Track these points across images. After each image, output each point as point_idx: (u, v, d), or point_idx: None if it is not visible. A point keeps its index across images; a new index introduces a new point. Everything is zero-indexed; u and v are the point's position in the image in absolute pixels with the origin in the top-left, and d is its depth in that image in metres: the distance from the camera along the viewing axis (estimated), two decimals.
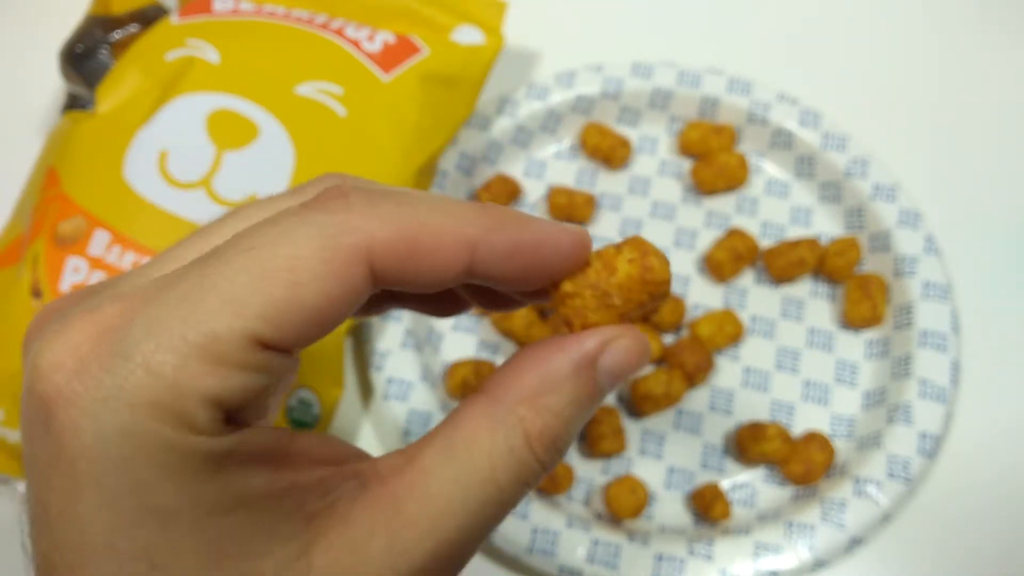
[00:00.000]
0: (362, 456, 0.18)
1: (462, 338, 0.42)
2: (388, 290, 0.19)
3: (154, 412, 0.14)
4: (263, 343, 0.15)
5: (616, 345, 0.18)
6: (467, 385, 0.39)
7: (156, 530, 0.14)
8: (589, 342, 0.18)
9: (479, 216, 0.17)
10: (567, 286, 0.18)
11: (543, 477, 0.18)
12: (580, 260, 0.18)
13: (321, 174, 0.19)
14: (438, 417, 0.39)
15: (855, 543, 0.35)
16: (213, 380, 0.14)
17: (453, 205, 0.17)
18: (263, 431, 0.16)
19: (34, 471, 0.15)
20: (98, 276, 0.36)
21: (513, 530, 0.36)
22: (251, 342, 0.15)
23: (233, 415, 0.15)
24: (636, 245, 0.19)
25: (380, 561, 0.16)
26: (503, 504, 0.17)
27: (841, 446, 0.39)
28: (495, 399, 0.17)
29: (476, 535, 0.17)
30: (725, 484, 0.38)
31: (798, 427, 0.39)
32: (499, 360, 0.41)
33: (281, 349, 0.15)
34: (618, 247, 0.19)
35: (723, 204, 0.45)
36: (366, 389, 0.41)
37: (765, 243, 0.44)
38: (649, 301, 0.19)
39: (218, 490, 0.15)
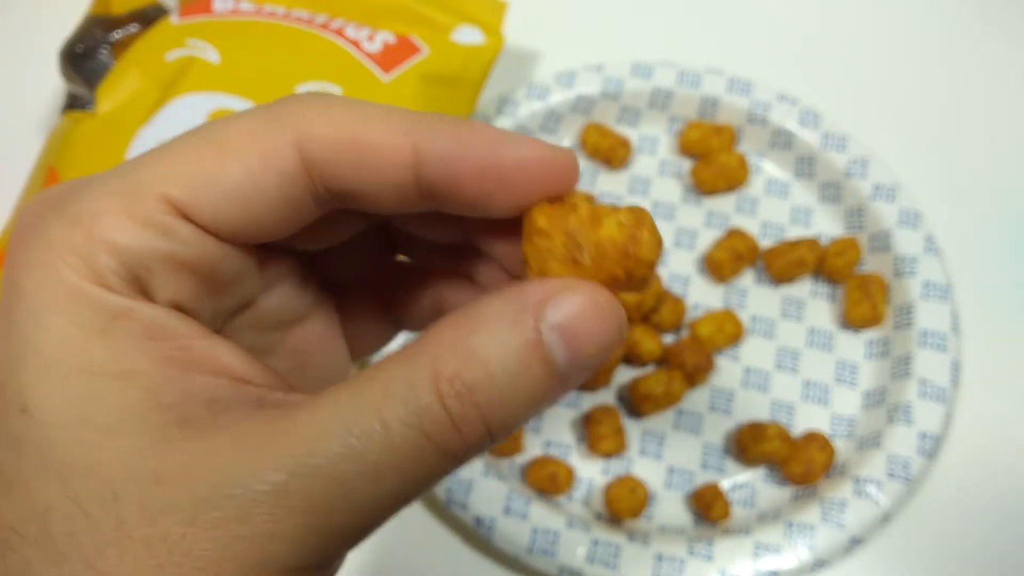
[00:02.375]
0: (284, 388, 0.17)
1: None
2: (351, 210, 0.17)
3: (68, 257, 0.15)
4: (180, 209, 0.15)
5: (570, 299, 0.15)
6: None
7: (32, 372, 0.14)
8: (534, 288, 0.15)
9: (438, 123, 0.15)
10: (540, 219, 0.15)
11: (463, 441, 0.15)
12: (560, 185, 0.16)
13: None
14: None
15: (855, 543, 0.35)
16: (121, 232, 0.15)
17: (406, 113, 0.16)
18: (181, 324, 0.16)
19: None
20: None
21: (513, 530, 0.36)
22: (167, 205, 0.15)
23: (145, 282, 0.15)
24: (635, 214, 0.15)
25: (235, 471, 0.14)
26: (392, 449, 0.14)
27: (841, 446, 0.39)
28: (419, 340, 0.15)
29: (357, 474, 0.14)
30: (725, 484, 0.38)
31: (798, 427, 0.39)
32: None
33: (201, 224, 0.15)
34: (616, 207, 0.16)
35: (723, 204, 0.45)
36: None
37: (765, 243, 0.44)
38: (625, 279, 0.16)
39: (97, 351, 0.14)
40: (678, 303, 0.41)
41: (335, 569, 0.16)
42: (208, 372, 0.15)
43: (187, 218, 0.15)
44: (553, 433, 0.40)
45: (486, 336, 0.15)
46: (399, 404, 0.14)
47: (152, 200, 0.15)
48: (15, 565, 0.14)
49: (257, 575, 0.14)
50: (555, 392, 0.15)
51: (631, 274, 0.15)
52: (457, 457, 0.15)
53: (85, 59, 0.41)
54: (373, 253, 0.21)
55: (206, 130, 0.16)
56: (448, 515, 0.38)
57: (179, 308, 0.16)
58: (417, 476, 0.15)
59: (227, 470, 0.14)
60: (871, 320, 0.40)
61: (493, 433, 0.15)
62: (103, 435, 0.14)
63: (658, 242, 0.16)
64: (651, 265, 0.16)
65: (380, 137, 0.15)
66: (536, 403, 0.15)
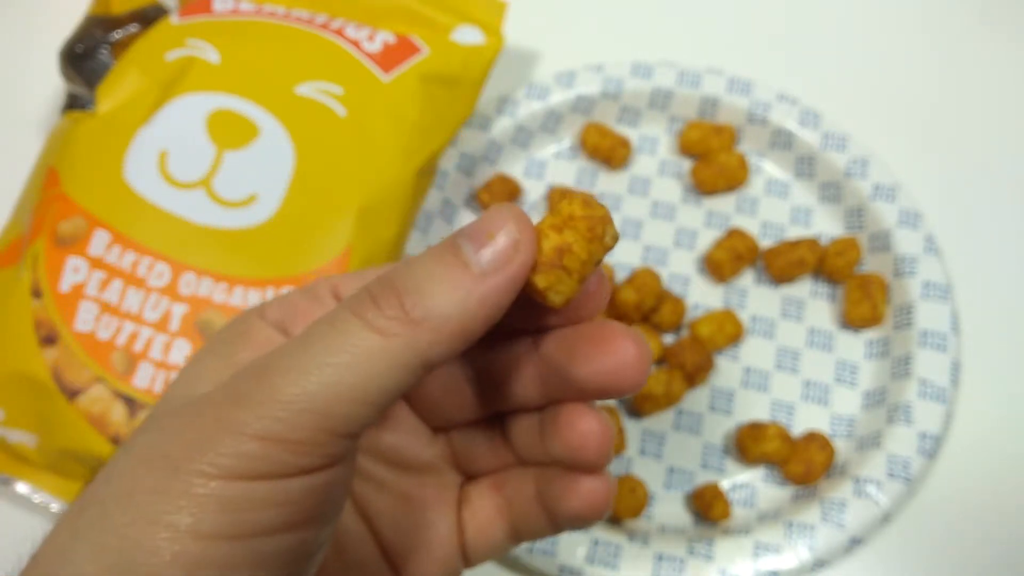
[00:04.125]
0: None
1: None
2: None
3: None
4: (337, 292, 0.21)
5: (500, 240, 0.18)
6: None
7: None
8: (470, 227, 0.18)
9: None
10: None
11: (382, 313, 0.17)
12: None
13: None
14: None
15: (855, 543, 0.35)
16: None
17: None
18: None
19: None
20: (98, 276, 0.36)
21: None
22: (332, 289, 0.22)
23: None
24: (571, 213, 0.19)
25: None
26: (331, 326, 0.17)
27: (841, 446, 0.39)
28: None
29: (311, 359, 0.17)
30: (725, 484, 0.38)
31: (798, 427, 0.39)
32: None
33: None
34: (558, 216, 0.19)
35: (723, 204, 0.45)
36: None
37: (765, 243, 0.44)
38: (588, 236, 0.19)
39: None
40: (678, 303, 0.41)
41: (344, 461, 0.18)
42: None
43: (337, 297, 0.22)
44: None
45: (416, 257, 0.18)
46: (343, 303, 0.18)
47: (323, 287, 0.21)
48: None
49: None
50: (475, 282, 0.17)
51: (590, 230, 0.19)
52: (383, 331, 0.17)
53: (85, 59, 0.41)
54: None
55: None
56: None
57: None
58: (351, 351, 0.17)
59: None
60: (871, 320, 0.40)
61: (408, 308, 0.17)
62: (190, 385, 0.19)
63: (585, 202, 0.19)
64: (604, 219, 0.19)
65: None
66: (454, 289, 0.17)
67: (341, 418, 0.17)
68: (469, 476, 0.24)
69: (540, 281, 0.18)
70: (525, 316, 0.21)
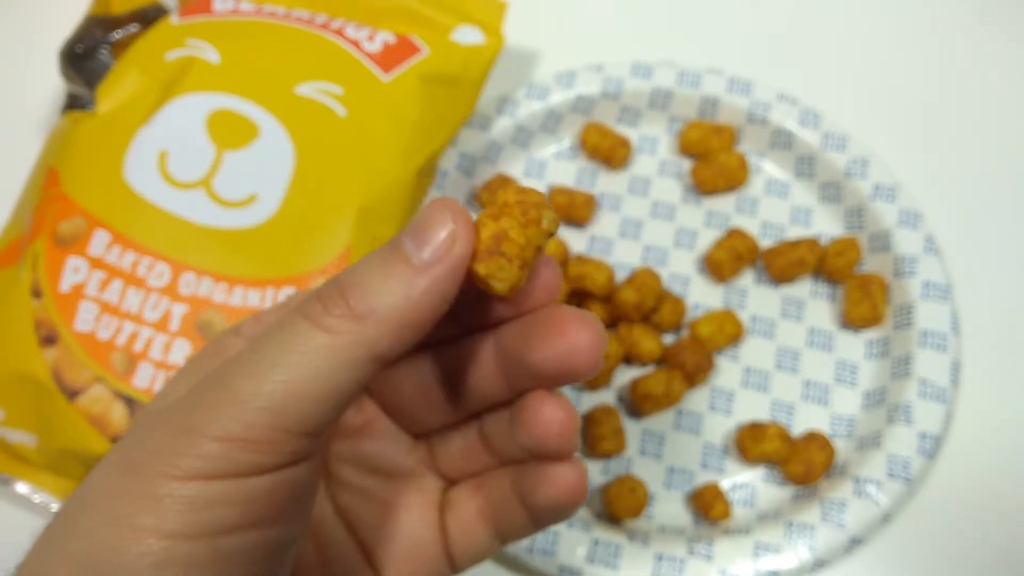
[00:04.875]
0: None
1: None
2: None
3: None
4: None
5: (457, 228, 0.19)
6: None
7: None
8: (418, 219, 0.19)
9: None
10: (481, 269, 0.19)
11: (326, 310, 0.18)
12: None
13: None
14: None
15: (855, 543, 0.35)
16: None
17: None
18: None
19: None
20: (98, 276, 0.36)
21: None
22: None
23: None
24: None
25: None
26: (284, 326, 0.18)
27: (841, 446, 0.39)
28: None
29: (262, 362, 0.18)
30: (725, 484, 0.38)
31: (798, 427, 0.39)
32: None
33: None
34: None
35: (723, 204, 0.45)
36: None
37: (765, 243, 0.44)
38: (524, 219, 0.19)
39: None
40: (678, 303, 0.41)
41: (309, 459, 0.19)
42: None
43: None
44: None
45: (361, 258, 0.19)
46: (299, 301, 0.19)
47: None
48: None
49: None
50: (416, 274, 0.18)
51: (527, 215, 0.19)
52: (330, 329, 0.18)
53: (85, 59, 0.41)
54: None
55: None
56: None
57: None
58: (301, 351, 0.18)
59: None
60: (871, 320, 0.40)
61: (353, 306, 0.18)
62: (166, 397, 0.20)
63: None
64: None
65: None
66: (397, 283, 0.18)
67: (296, 415, 0.17)
68: (450, 480, 0.24)
69: (481, 269, 0.19)
70: (480, 310, 0.21)
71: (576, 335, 0.19)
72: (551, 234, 0.20)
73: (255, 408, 0.17)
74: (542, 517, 0.21)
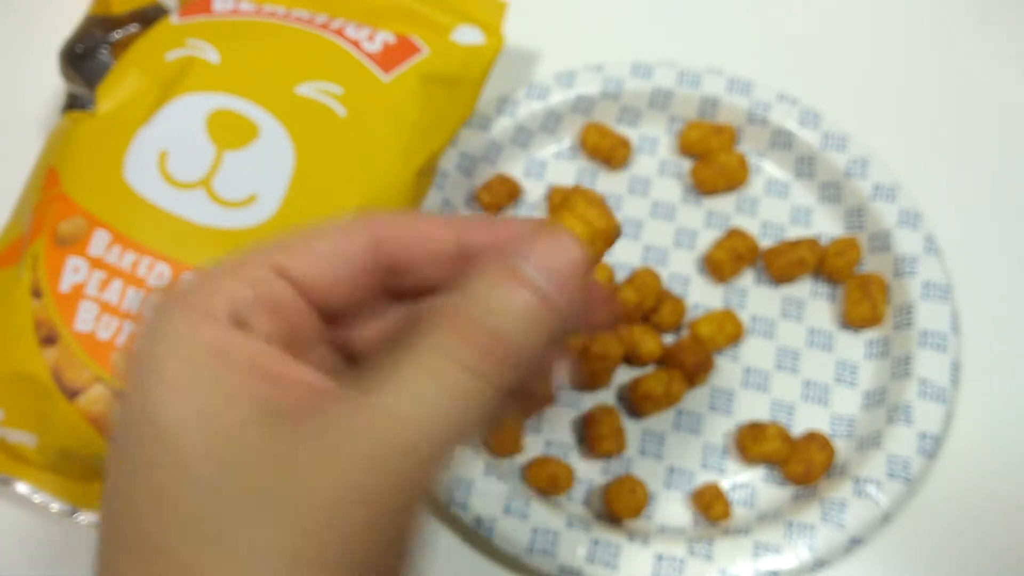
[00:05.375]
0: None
1: None
2: None
3: (191, 311, 0.19)
4: (282, 271, 0.20)
5: (542, 247, 0.19)
6: None
7: (162, 391, 0.18)
8: (521, 248, 0.20)
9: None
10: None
11: (490, 360, 0.18)
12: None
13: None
14: None
15: (855, 543, 0.35)
16: (232, 288, 0.19)
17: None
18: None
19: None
20: (98, 276, 0.36)
21: (513, 530, 0.36)
22: (273, 269, 0.20)
23: (246, 321, 0.19)
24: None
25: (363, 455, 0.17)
26: (437, 380, 0.18)
27: (841, 446, 0.39)
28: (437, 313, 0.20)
29: (435, 430, 0.18)
30: (725, 484, 0.38)
31: (798, 427, 0.39)
32: None
33: (295, 280, 0.20)
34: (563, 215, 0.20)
35: (723, 204, 0.45)
36: None
37: (765, 243, 0.44)
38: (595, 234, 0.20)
39: (209, 372, 0.18)
40: (678, 303, 0.41)
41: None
42: (291, 384, 0.19)
43: (285, 276, 0.20)
44: (553, 433, 0.40)
45: (484, 282, 0.19)
46: (424, 348, 0.18)
47: (259, 267, 0.20)
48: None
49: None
50: (547, 311, 0.19)
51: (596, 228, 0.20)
52: (485, 376, 0.18)
53: (85, 59, 0.41)
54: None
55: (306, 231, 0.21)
56: (448, 515, 0.38)
57: (270, 342, 0.20)
58: (457, 404, 0.18)
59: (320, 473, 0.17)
60: (871, 320, 0.40)
61: (506, 356, 0.18)
62: (207, 434, 0.17)
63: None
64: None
65: (432, 227, 0.21)
66: (533, 320, 0.19)
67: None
68: None
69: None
70: None
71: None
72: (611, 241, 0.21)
73: None
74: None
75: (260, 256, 0.20)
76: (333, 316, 0.22)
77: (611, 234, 0.20)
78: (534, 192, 0.46)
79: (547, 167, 0.47)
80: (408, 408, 0.17)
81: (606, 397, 0.41)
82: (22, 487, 0.37)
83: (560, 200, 0.20)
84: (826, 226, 0.44)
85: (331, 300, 0.21)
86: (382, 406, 0.17)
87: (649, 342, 0.40)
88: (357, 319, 0.23)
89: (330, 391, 0.19)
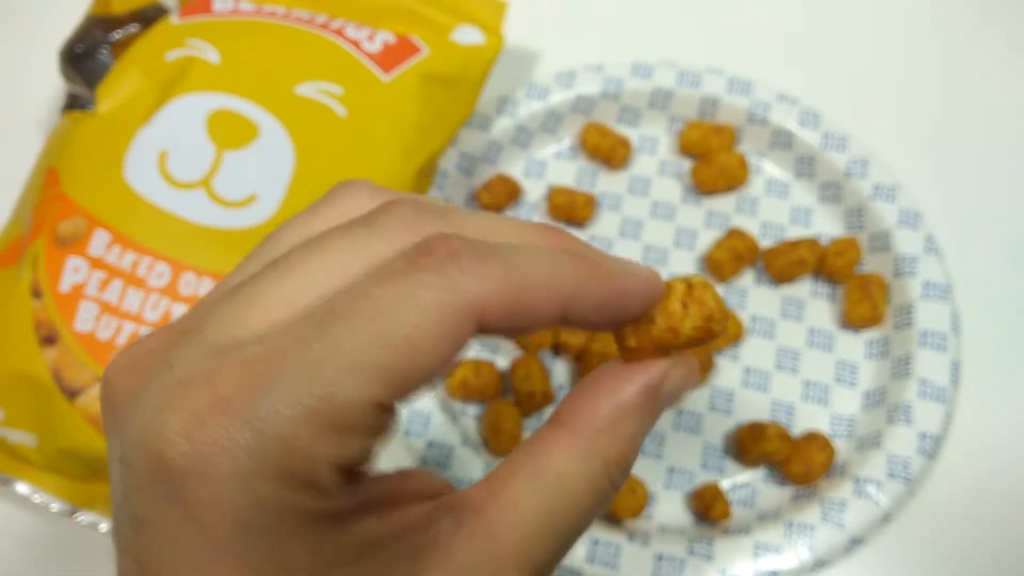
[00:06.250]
0: (450, 487, 0.20)
1: None
2: None
3: (287, 482, 0.15)
4: (383, 407, 0.15)
5: (676, 372, 0.20)
6: (467, 385, 0.39)
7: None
8: (655, 372, 0.19)
9: (576, 269, 0.17)
10: (631, 341, 0.19)
11: (614, 497, 0.19)
12: (653, 301, 0.19)
13: (389, 200, 0.18)
14: (439, 417, 0.39)
15: (855, 543, 0.35)
16: (340, 447, 0.15)
17: (551, 258, 0.17)
18: (373, 479, 0.17)
19: (147, 530, 0.15)
20: (98, 276, 0.36)
21: None
22: (373, 408, 0.15)
23: (353, 471, 0.16)
24: (698, 299, 0.19)
25: None
26: (583, 528, 0.18)
27: (841, 446, 0.39)
28: (575, 431, 0.19)
29: (560, 558, 0.18)
30: (725, 484, 0.38)
31: (798, 427, 0.39)
32: (499, 360, 0.41)
33: (395, 407, 0.16)
34: (684, 302, 0.19)
35: (723, 204, 0.45)
36: None
37: (765, 243, 0.44)
38: (705, 336, 0.20)
39: (344, 543, 0.16)
40: None
41: None
42: (416, 501, 0.18)
43: (386, 409, 0.16)
44: None
45: (631, 425, 0.19)
46: (591, 497, 0.18)
47: (360, 406, 0.15)
48: None
49: None
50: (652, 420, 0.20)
51: (710, 332, 0.19)
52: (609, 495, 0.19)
53: (85, 59, 0.41)
54: None
55: (389, 313, 0.15)
56: None
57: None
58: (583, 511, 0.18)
59: None
60: (871, 320, 0.40)
61: (623, 465, 0.19)
62: None
63: (722, 308, 0.19)
64: (723, 322, 0.19)
65: (539, 293, 0.17)
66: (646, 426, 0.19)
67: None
68: None
69: (630, 340, 0.19)
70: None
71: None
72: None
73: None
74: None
75: (358, 395, 0.15)
76: None
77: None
78: (534, 192, 0.46)
79: (547, 167, 0.47)
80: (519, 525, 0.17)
81: None
82: (22, 487, 0.37)
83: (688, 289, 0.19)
84: (826, 226, 0.44)
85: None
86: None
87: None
88: None
89: (434, 515, 0.18)
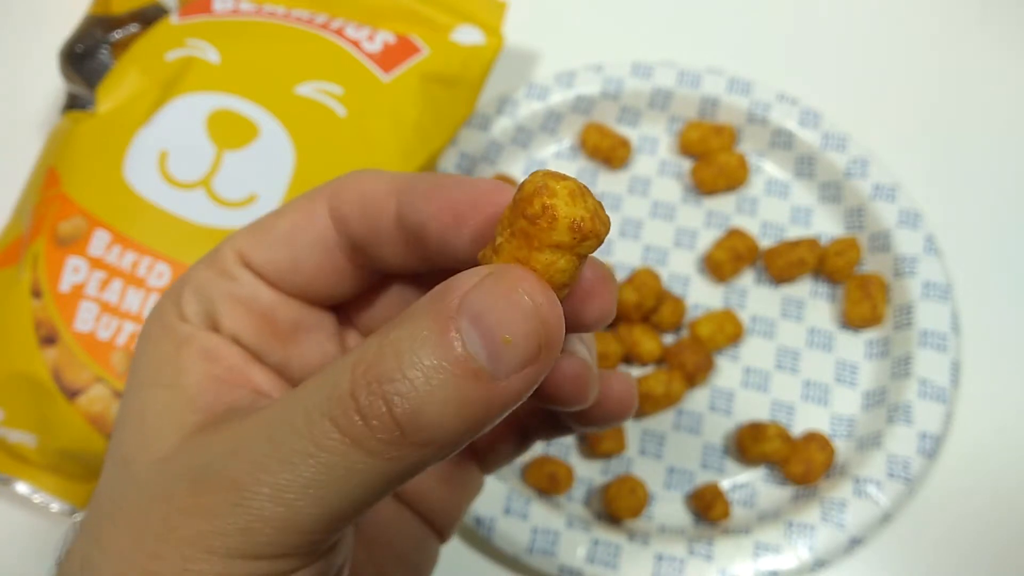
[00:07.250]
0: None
1: None
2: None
3: (167, 304, 0.19)
4: (244, 259, 0.19)
5: (483, 284, 0.15)
6: None
7: (130, 388, 0.19)
8: (460, 278, 0.15)
9: (406, 180, 0.19)
10: (488, 253, 0.16)
11: (373, 434, 0.14)
12: (498, 205, 0.17)
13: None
14: None
15: (855, 543, 0.35)
16: (200, 278, 0.19)
17: (395, 175, 0.19)
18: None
19: None
20: (98, 276, 0.36)
21: (513, 530, 0.36)
22: (236, 256, 0.19)
23: (214, 316, 0.19)
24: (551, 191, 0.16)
25: (203, 460, 0.16)
26: (302, 435, 0.15)
27: (841, 446, 0.39)
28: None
29: (267, 456, 0.15)
30: (725, 484, 0.38)
31: (798, 427, 0.39)
32: None
33: (257, 268, 0.19)
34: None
35: (723, 204, 0.45)
36: None
37: (765, 243, 0.44)
38: (575, 241, 0.16)
39: (167, 367, 0.19)
40: (678, 303, 0.41)
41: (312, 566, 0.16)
42: (238, 386, 0.18)
43: (248, 265, 0.19)
44: None
45: (405, 329, 0.14)
46: (318, 395, 0.15)
47: (227, 254, 0.19)
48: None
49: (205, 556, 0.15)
50: (484, 394, 0.14)
51: (580, 232, 0.16)
52: (373, 452, 0.14)
53: (85, 59, 0.41)
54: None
55: (275, 209, 0.20)
56: None
57: (237, 340, 0.19)
58: (332, 466, 0.14)
59: (200, 460, 0.16)
60: (871, 320, 0.40)
61: (407, 432, 0.14)
62: (149, 431, 0.18)
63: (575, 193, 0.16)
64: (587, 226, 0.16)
65: (376, 191, 0.19)
66: (463, 406, 0.14)
67: (310, 533, 0.15)
68: None
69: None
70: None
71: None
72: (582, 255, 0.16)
73: (276, 528, 0.15)
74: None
75: (227, 244, 0.19)
76: (330, 300, 0.20)
77: (599, 241, 0.16)
78: None
79: (547, 167, 0.47)
80: (285, 483, 0.15)
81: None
82: (22, 487, 0.37)
83: (529, 194, 0.16)
84: (826, 226, 0.44)
85: (302, 284, 0.19)
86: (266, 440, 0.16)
87: (649, 342, 0.40)
88: (371, 303, 0.21)
89: (269, 397, 0.19)
